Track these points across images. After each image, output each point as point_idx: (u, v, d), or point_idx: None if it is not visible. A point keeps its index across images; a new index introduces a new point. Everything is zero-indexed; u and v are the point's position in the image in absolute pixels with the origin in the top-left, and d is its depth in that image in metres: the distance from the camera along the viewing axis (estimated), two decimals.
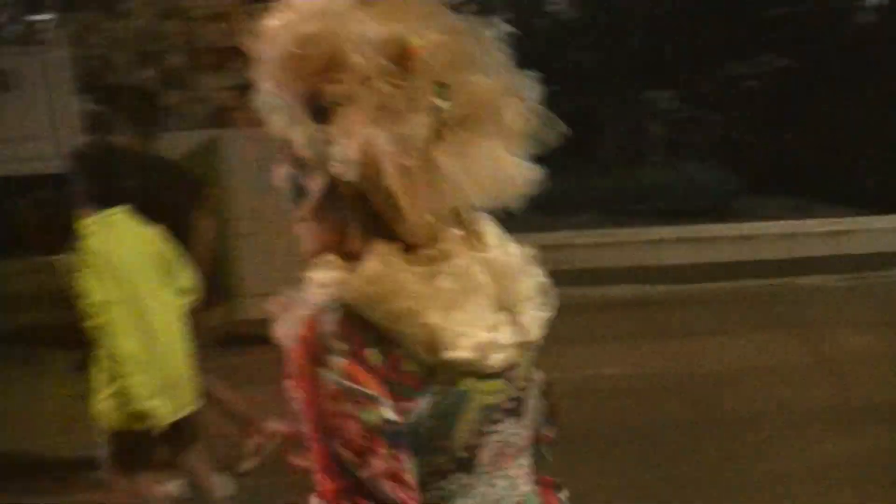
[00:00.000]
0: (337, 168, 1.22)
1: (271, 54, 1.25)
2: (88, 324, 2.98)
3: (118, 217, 3.15)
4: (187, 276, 3.30)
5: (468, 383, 1.30)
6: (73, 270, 2.95)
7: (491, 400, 1.34)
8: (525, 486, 1.47)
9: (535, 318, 1.40)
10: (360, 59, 1.21)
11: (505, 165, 1.30)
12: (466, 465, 1.35)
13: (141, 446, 3.17)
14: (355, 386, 1.22)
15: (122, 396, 3.02)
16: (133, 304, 3.05)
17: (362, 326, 1.24)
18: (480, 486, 1.38)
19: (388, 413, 1.23)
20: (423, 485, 1.30)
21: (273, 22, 1.26)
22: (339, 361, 1.22)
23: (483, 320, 1.31)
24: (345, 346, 1.23)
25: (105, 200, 3.14)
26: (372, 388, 1.22)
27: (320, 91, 1.23)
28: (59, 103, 6.00)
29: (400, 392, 1.25)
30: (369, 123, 1.21)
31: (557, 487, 1.60)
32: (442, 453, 1.31)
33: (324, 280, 1.29)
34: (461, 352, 1.27)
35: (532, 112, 1.32)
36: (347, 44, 1.21)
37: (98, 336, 3.01)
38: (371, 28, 1.22)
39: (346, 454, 1.24)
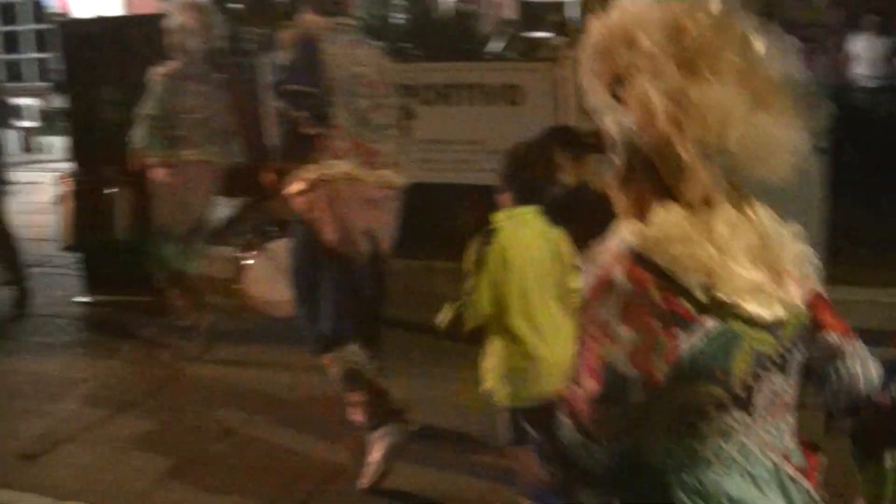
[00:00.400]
0: (628, 133, 1.51)
1: (588, 49, 1.57)
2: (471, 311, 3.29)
3: (528, 215, 3.34)
4: (576, 279, 3.31)
5: (738, 325, 1.49)
6: (478, 260, 3.26)
7: (761, 347, 1.52)
8: (790, 442, 1.64)
9: (798, 285, 1.56)
10: (647, 41, 1.49)
11: (764, 125, 1.47)
12: (744, 404, 1.53)
13: (530, 424, 3.39)
14: (614, 321, 1.47)
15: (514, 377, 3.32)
16: (522, 298, 3.30)
17: (646, 267, 1.48)
18: (758, 430, 1.56)
19: (615, 357, 1.47)
20: (705, 414, 1.52)
21: (593, 22, 1.57)
22: (621, 295, 1.47)
23: (750, 272, 1.49)
24: (629, 284, 1.47)
25: (524, 199, 3.36)
26: (634, 324, 1.45)
27: (618, 72, 1.52)
28: (563, 120, 6.05)
29: (676, 322, 1.46)
30: (650, 88, 1.47)
31: (816, 449, 1.71)
32: (719, 384, 1.50)
33: (620, 231, 1.56)
34: (731, 294, 1.46)
35: (798, 90, 1.51)
36: (639, 29, 1.50)
37: (489, 324, 3.32)
38: (656, 13, 1.51)
39: (577, 364, 1.54)
